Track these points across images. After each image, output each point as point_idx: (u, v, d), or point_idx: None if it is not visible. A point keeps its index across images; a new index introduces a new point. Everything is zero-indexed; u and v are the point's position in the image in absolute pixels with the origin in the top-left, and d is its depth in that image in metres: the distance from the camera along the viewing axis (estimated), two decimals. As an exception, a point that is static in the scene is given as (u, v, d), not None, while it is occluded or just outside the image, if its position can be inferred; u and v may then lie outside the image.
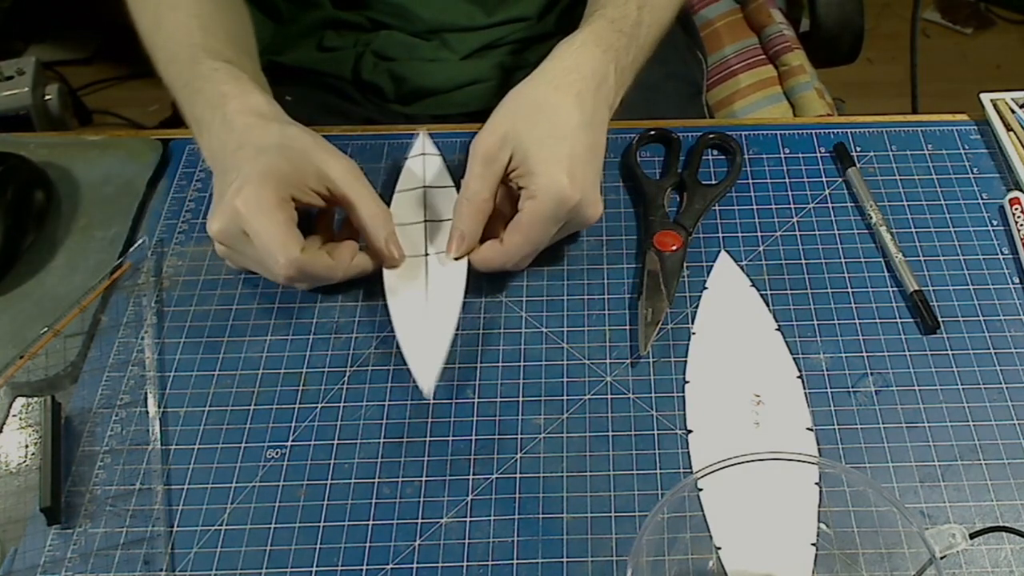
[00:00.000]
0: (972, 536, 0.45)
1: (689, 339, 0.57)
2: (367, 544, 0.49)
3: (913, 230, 0.61)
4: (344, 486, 0.52)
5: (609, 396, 0.55)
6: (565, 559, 0.49)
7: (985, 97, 0.67)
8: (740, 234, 0.62)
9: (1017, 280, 0.59)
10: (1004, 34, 2.01)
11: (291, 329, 0.58)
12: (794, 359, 0.56)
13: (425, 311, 0.55)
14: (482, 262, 0.56)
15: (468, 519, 0.50)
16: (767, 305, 0.58)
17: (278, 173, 0.53)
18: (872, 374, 0.55)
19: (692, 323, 0.57)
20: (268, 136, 0.55)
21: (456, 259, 0.56)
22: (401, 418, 0.54)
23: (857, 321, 0.57)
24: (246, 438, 0.54)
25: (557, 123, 0.55)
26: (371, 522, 0.50)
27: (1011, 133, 0.65)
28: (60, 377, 0.56)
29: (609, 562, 0.49)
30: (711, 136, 0.67)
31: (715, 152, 0.67)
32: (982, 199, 0.63)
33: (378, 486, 0.51)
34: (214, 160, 0.57)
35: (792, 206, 0.63)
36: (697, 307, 0.58)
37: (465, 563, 0.49)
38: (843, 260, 0.60)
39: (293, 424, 0.54)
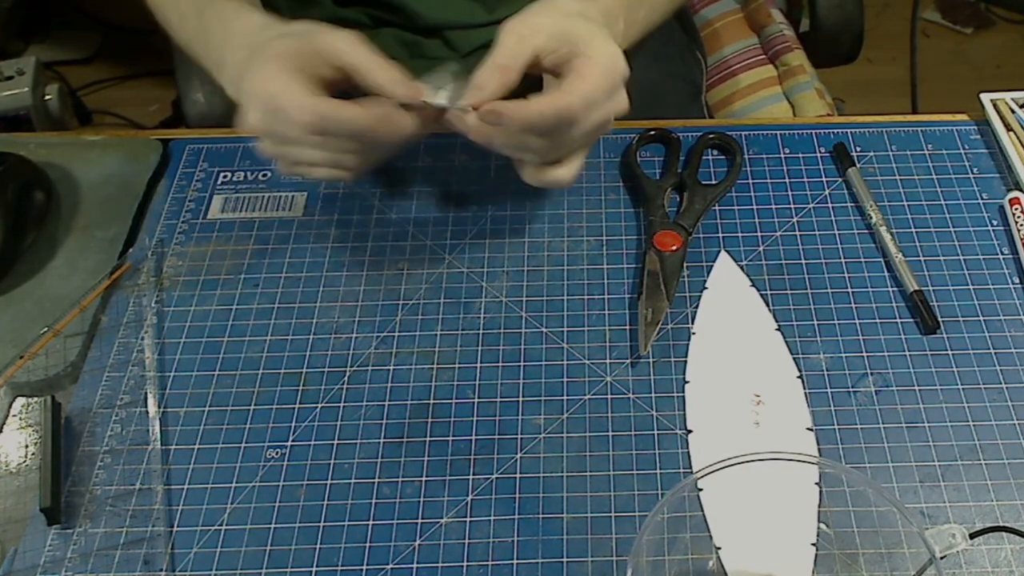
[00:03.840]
0: (972, 536, 0.45)
1: (689, 339, 0.57)
2: (367, 544, 0.50)
3: (913, 230, 0.61)
4: (344, 486, 0.52)
5: (609, 396, 0.55)
6: (565, 559, 0.49)
7: (985, 97, 0.67)
8: (740, 234, 0.62)
9: (1017, 280, 0.59)
10: (1004, 34, 2.01)
11: (291, 329, 0.58)
12: (794, 359, 0.56)
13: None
14: (508, 113, 0.49)
15: (468, 519, 0.50)
16: (767, 305, 0.58)
17: (286, 52, 0.52)
18: (872, 374, 0.55)
19: (692, 323, 0.57)
20: (269, 33, 0.55)
21: (474, 108, 0.50)
22: (401, 418, 0.54)
23: (857, 321, 0.57)
24: (246, 438, 0.54)
25: (591, 20, 0.53)
26: (371, 522, 0.50)
27: (1011, 133, 0.65)
28: (60, 377, 0.57)
29: (609, 562, 0.49)
30: (711, 136, 0.67)
31: (715, 152, 0.67)
32: (982, 199, 0.63)
33: (378, 486, 0.52)
34: (235, 81, 0.56)
35: (792, 206, 0.63)
36: (697, 307, 0.58)
37: (465, 563, 0.49)
38: (843, 260, 0.60)
39: (293, 424, 0.54)
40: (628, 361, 0.56)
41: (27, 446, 0.54)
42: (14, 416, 0.55)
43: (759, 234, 0.62)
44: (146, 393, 0.55)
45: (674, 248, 0.60)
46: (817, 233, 0.62)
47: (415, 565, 0.49)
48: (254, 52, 0.54)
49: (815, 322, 0.57)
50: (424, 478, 0.52)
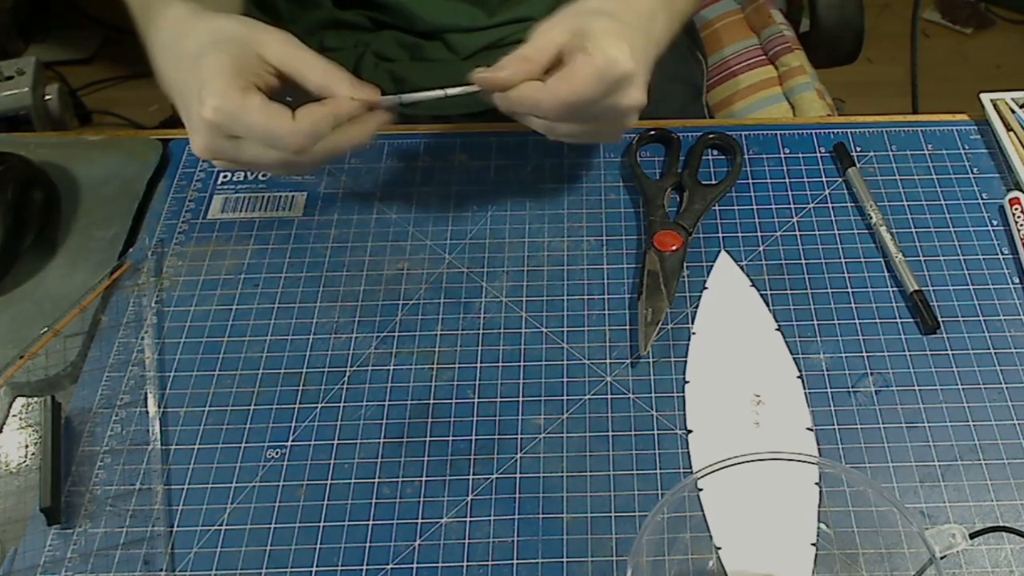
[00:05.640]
0: (972, 536, 0.45)
1: (689, 339, 0.57)
2: (367, 544, 0.50)
3: (913, 230, 0.61)
4: (344, 486, 0.52)
5: (609, 396, 0.55)
6: (565, 559, 0.49)
7: (985, 97, 0.67)
8: (740, 234, 0.62)
9: (1017, 280, 0.59)
10: (1004, 34, 2.01)
11: (291, 329, 0.58)
12: (794, 359, 0.56)
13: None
14: (518, 96, 0.52)
15: (468, 519, 0.50)
16: (767, 305, 0.58)
17: (226, 68, 0.51)
18: (872, 374, 0.55)
19: (692, 323, 0.57)
20: (198, 39, 0.53)
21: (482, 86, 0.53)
22: (401, 418, 0.54)
23: (857, 321, 0.57)
24: (246, 438, 0.54)
25: (618, 18, 0.54)
26: (371, 522, 0.50)
27: (1011, 133, 0.65)
28: (60, 377, 0.56)
29: (609, 562, 0.49)
30: (711, 136, 0.67)
31: (715, 152, 0.67)
32: (982, 199, 0.63)
33: (378, 486, 0.52)
34: (168, 87, 0.55)
35: (792, 206, 0.63)
36: (697, 307, 0.58)
37: (465, 563, 0.49)
38: (843, 260, 0.60)
39: (293, 424, 0.54)
40: (628, 361, 0.56)
41: (27, 446, 0.54)
42: (14, 416, 0.55)
43: (759, 234, 0.62)
44: (146, 393, 0.55)
45: (674, 248, 0.60)
46: (817, 233, 0.62)
47: (415, 565, 0.49)
48: (186, 62, 0.52)
49: (815, 322, 0.57)
50: (424, 478, 0.52)
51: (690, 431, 0.53)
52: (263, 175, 0.66)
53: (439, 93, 0.55)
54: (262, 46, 0.53)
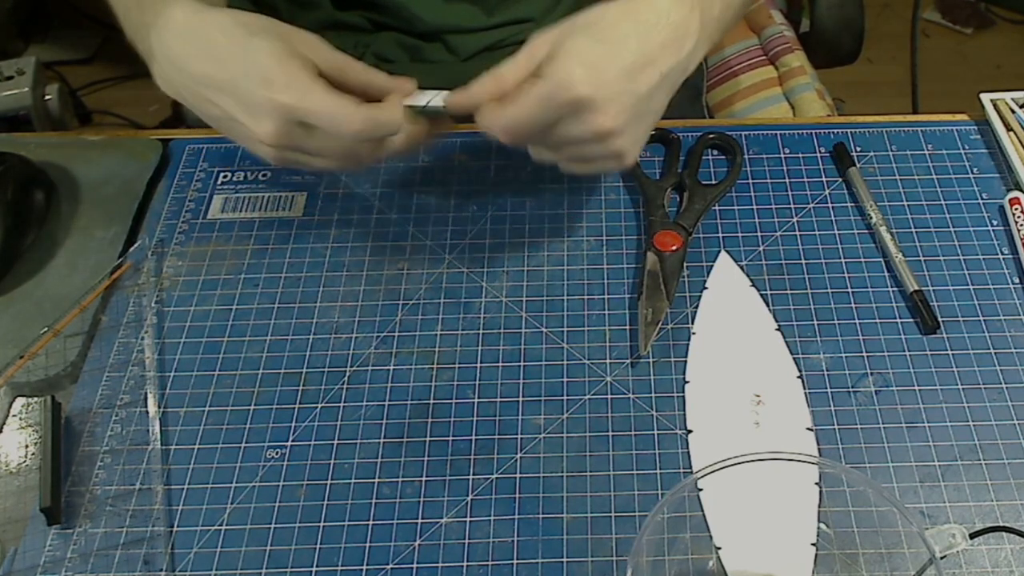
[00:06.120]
0: (972, 536, 0.45)
1: (689, 339, 0.57)
2: (367, 544, 0.50)
3: (913, 230, 0.61)
4: (344, 486, 0.52)
5: (609, 396, 0.55)
6: (565, 559, 0.49)
7: (985, 97, 0.67)
8: (740, 234, 0.62)
9: (1017, 280, 0.59)
10: (1004, 34, 2.01)
11: (291, 329, 0.58)
12: (794, 359, 0.56)
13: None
14: (478, 118, 0.52)
15: (468, 519, 0.50)
16: (767, 305, 0.58)
17: (288, 55, 0.50)
18: (872, 374, 0.55)
19: (692, 323, 0.57)
20: (233, 29, 0.51)
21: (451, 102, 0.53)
22: (401, 418, 0.54)
23: (857, 321, 0.57)
24: (246, 438, 0.54)
25: (607, 35, 0.51)
26: (371, 522, 0.50)
27: (1011, 133, 0.65)
28: (60, 377, 0.57)
29: (609, 562, 0.49)
30: (711, 136, 0.67)
31: (715, 152, 0.67)
32: (982, 199, 0.63)
33: (378, 486, 0.52)
34: (194, 83, 0.53)
35: (792, 206, 0.63)
36: (697, 307, 0.58)
37: (465, 563, 0.49)
38: (843, 260, 0.60)
39: (293, 424, 0.54)
40: (628, 361, 0.56)
41: (27, 446, 0.54)
42: (14, 416, 0.55)
43: (759, 234, 0.62)
44: (146, 393, 0.55)
45: (674, 248, 0.60)
46: (817, 233, 0.62)
47: (415, 565, 0.49)
48: (229, 51, 0.51)
49: (815, 322, 0.57)
50: (424, 478, 0.52)
51: (690, 431, 0.53)
52: (263, 175, 0.66)
53: (419, 104, 0.54)
54: (299, 43, 0.51)
